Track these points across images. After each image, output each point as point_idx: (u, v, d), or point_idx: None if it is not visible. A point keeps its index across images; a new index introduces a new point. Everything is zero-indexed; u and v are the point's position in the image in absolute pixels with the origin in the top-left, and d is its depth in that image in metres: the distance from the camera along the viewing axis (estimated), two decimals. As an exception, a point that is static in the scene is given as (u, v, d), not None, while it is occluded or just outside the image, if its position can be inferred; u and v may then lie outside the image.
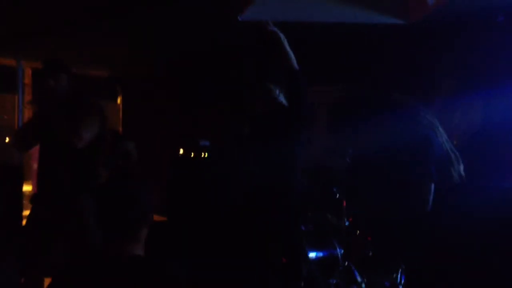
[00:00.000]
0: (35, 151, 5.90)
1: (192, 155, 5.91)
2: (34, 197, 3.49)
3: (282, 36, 3.03)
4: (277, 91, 3.36)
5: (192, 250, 4.91)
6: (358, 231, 3.91)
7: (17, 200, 5.11)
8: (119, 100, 7.71)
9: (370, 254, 3.60)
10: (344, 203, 3.92)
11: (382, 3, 3.63)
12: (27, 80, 7.01)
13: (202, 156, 5.80)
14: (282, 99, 3.38)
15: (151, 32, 5.09)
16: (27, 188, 6.96)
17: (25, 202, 5.77)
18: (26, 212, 5.41)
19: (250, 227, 3.51)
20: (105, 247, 2.03)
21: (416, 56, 4.68)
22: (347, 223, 3.91)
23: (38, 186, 3.51)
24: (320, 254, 3.93)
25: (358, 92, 3.02)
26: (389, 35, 4.28)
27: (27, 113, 7.22)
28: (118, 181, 2.16)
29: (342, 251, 3.87)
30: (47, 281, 3.57)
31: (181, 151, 6.04)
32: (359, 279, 3.68)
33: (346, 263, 3.82)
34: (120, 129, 7.55)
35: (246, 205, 3.61)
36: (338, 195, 4.06)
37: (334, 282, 3.81)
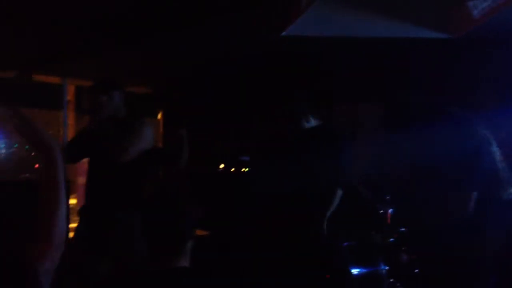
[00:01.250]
0: (80, 165, 6.04)
1: (232, 170, 5.96)
2: (82, 210, 3.57)
3: None
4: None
5: (233, 265, 4.93)
6: (403, 248, 3.86)
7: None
8: (159, 116, 7.83)
9: (416, 271, 3.55)
10: (389, 219, 3.88)
11: (424, 18, 3.60)
12: (70, 97, 7.20)
13: (243, 170, 5.84)
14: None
15: (193, 49, 5.16)
16: (72, 201, 7.13)
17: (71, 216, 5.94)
18: (72, 225, 5.55)
19: (291, 241, 3.51)
20: (151, 260, 2.06)
21: (459, 70, 4.63)
22: (392, 240, 3.87)
23: (86, 199, 3.59)
24: (364, 271, 3.89)
25: (413, 104, 2.98)
26: (431, 49, 4.25)
27: (71, 129, 7.40)
28: (164, 195, 2.20)
29: (387, 268, 3.82)
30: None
31: (222, 166, 6.10)
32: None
33: (391, 280, 3.78)
34: (161, 144, 7.65)
35: (286, 219, 3.61)
36: (382, 210, 4.03)
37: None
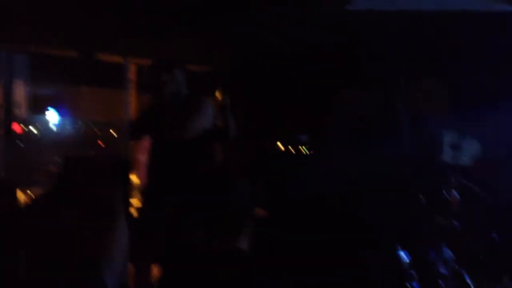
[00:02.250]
0: (142, 144, 6.13)
1: (290, 150, 5.91)
2: (143, 189, 3.62)
3: None
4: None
5: (291, 248, 4.91)
6: (469, 234, 3.73)
7: (126, 190, 5.35)
8: (218, 95, 7.84)
9: (481, 258, 3.42)
10: (456, 204, 3.74)
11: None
12: (132, 76, 7.30)
13: (301, 150, 5.78)
14: None
15: (258, 28, 5.11)
16: (134, 179, 7.26)
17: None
18: (133, 201, 5.67)
19: (351, 226, 3.47)
20: (209, 241, 2.05)
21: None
22: (458, 225, 3.73)
23: (148, 178, 3.63)
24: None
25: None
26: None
27: (133, 107, 7.52)
28: (220, 174, 2.17)
29: (452, 254, 3.70)
30: (154, 268, 3.69)
31: (280, 145, 6.05)
32: (470, 283, 3.51)
33: (456, 267, 3.65)
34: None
35: (348, 203, 3.57)
36: (449, 195, 3.88)
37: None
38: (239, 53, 6.49)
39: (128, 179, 5.67)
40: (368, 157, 3.33)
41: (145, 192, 3.60)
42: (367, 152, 3.37)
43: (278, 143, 5.92)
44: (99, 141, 11.34)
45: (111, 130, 10.94)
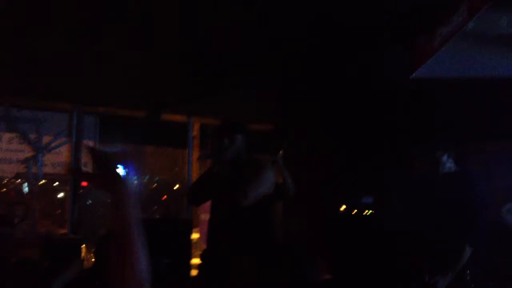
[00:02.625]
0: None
1: (354, 212, 5.75)
2: (203, 254, 3.56)
3: None
4: (445, 157, 3.50)
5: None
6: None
7: (187, 249, 5.34)
8: (281, 153, 7.82)
9: None
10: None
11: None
12: (195, 132, 7.41)
13: (365, 213, 5.62)
14: (451, 164, 3.52)
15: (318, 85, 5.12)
16: (195, 235, 7.29)
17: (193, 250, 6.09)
18: (195, 260, 5.66)
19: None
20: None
21: None
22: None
23: (208, 243, 3.58)
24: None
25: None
26: None
27: (195, 167, 7.61)
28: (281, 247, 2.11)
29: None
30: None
31: (343, 207, 5.91)
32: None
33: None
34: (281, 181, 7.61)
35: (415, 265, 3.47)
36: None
37: None
38: (303, 112, 6.49)
39: (189, 239, 5.70)
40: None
41: (206, 257, 3.54)
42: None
43: (343, 206, 5.79)
44: (164, 196, 11.57)
45: (175, 188, 11.14)
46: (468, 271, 3.33)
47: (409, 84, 3.20)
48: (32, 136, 5.89)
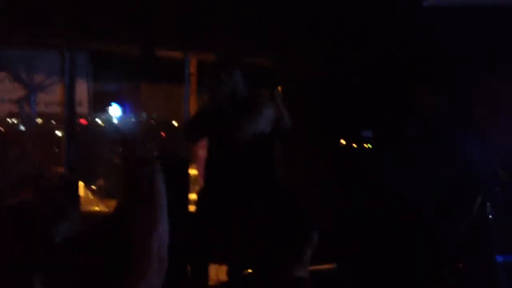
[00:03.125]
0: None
1: (354, 146, 5.72)
2: (201, 192, 3.54)
3: None
4: None
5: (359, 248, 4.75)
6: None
7: (184, 188, 5.33)
8: (279, 89, 7.72)
9: None
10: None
11: None
12: (192, 69, 7.28)
13: (365, 147, 5.58)
14: None
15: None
16: (192, 172, 7.29)
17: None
18: (192, 196, 5.66)
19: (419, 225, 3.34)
20: (269, 267, 1.91)
21: None
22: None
23: (205, 181, 3.54)
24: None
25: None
26: None
27: (192, 103, 7.51)
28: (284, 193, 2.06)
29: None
30: (212, 268, 3.63)
31: (343, 142, 5.87)
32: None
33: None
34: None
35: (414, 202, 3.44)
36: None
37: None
38: (301, 47, 6.34)
39: (186, 176, 5.68)
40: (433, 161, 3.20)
41: (203, 194, 3.51)
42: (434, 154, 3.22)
43: (342, 140, 5.73)
44: (162, 133, 11.55)
45: (172, 123, 11.08)
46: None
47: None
48: (23, 75, 5.75)
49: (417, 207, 3.53)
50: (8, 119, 6.75)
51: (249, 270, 3.35)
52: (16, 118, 6.48)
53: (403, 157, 3.80)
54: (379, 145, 5.32)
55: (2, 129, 6.87)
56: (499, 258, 3.50)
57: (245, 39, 5.82)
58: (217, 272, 3.68)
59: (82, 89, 6.05)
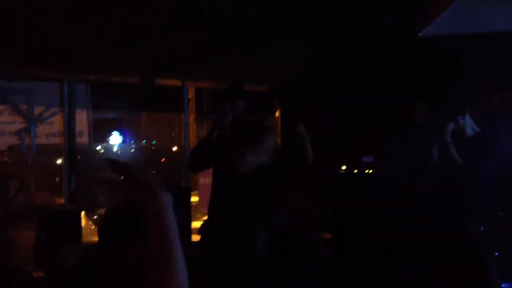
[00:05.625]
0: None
1: (355, 172, 5.70)
2: (203, 226, 3.50)
3: None
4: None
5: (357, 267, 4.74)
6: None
7: (187, 216, 5.32)
8: (277, 114, 7.73)
9: None
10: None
11: None
12: (190, 95, 7.30)
13: (366, 172, 5.57)
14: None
15: (317, 44, 4.99)
16: (194, 199, 7.27)
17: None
18: (194, 224, 5.63)
19: (423, 247, 3.29)
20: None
21: None
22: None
23: (208, 212, 3.51)
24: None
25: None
26: None
27: (192, 130, 7.52)
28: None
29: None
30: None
31: (344, 167, 5.86)
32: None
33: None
34: (279, 141, 7.55)
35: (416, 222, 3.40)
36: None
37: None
38: (298, 71, 6.37)
39: (188, 205, 5.66)
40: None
41: (207, 226, 3.48)
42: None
43: (343, 165, 5.73)
44: (163, 158, 11.55)
45: (172, 149, 11.10)
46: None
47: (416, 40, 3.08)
48: (23, 107, 5.77)
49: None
50: (8, 151, 6.76)
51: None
52: (16, 150, 6.48)
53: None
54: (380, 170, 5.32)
55: (3, 161, 6.89)
56: (504, 285, 3.47)
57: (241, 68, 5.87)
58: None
59: (82, 119, 6.06)
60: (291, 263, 1.98)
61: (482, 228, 3.17)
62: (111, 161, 1.42)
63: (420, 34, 2.92)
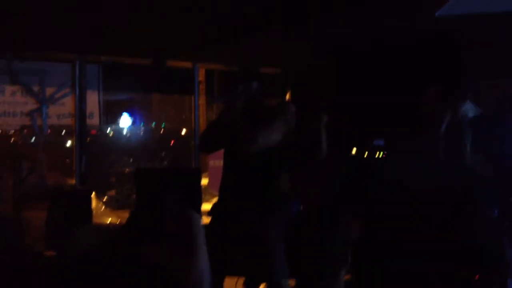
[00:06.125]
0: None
1: (365, 155, 5.68)
2: (213, 208, 3.51)
3: None
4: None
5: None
6: None
7: (197, 197, 5.34)
8: (288, 96, 7.72)
9: None
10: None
11: None
12: (201, 78, 7.29)
13: (377, 156, 5.54)
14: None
15: (332, 31, 4.95)
16: (204, 181, 7.30)
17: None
18: (204, 206, 5.65)
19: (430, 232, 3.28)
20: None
21: None
22: None
23: (220, 196, 3.52)
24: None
25: None
26: None
27: (202, 112, 7.52)
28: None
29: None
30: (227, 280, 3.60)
31: (354, 151, 5.84)
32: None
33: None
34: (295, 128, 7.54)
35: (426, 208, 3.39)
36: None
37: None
38: (314, 55, 6.34)
39: (199, 187, 5.67)
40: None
41: (218, 207, 3.49)
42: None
43: (353, 148, 5.70)
44: (172, 140, 11.60)
45: (182, 133, 11.13)
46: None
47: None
48: (35, 88, 5.79)
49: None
50: (20, 132, 6.80)
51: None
52: (28, 130, 6.52)
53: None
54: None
55: (15, 142, 6.94)
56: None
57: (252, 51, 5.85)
58: (232, 285, 3.65)
59: (93, 100, 6.07)
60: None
61: (496, 213, 3.16)
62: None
63: (437, 14, 2.90)
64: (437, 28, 3.88)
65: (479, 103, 4.08)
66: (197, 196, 5.44)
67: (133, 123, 8.95)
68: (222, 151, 3.57)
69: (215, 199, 3.71)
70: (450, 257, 3.13)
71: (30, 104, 5.75)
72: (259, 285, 3.38)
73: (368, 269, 4.12)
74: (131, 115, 8.37)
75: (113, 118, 8.12)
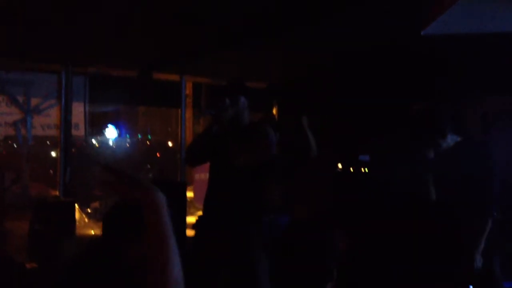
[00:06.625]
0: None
1: (351, 170, 5.71)
2: (197, 222, 3.51)
3: None
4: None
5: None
6: None
7: (182, 210, 5.32)
8: (274, 111, 7.74)
9: None
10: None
11: None
12: (188, 91, 7.29)
13: (362, 171, 5.57)
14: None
15: (317, 43, 4.98)
16: (189, 194, 7.28)
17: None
18: (189, 219, 5.63)
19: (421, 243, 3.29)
20: None
21: None
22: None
23: (204, 209, 3.51)
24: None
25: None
26: None
27: (189, 126, 7.50)
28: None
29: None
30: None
31: (340, 166, 5.87)
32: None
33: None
34: (279, 137, 7.55)
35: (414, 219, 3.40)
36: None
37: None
38: (292, 69, 6.37)
39: (184, 200, 5.66)
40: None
41: (202, 221, 3.48)
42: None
43: (339, 164, 5.74)
44: (157, 153, 11.55)
45: (168, 144, 11.09)
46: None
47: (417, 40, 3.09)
48: (20, 99, 5.75)
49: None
50: (4, 142, 6.74)
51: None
52: (12, 141, 6.46)
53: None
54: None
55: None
56: (507, 285, 3.47)
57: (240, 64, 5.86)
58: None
59: (79, 111, 6.04)
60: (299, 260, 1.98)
61: (495, 215, 3.17)
62: (104, 165, 1.45)
63: (422, 33, 2.93)
64: (421, 47, 3.93)
65: (465, 121, 4.14)
66: (183, 209, 5.45)
67: (119, 135, 8.92)
68: (208, 164, 3.58)
69: (200, 213, 3.71)
70: (438, 273, 3.13)
71: (15, 114, 5.70)
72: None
73: (354, 283, 4.13)
74: (117, 127, 8.34)
75: (99, 130, 8.09)
